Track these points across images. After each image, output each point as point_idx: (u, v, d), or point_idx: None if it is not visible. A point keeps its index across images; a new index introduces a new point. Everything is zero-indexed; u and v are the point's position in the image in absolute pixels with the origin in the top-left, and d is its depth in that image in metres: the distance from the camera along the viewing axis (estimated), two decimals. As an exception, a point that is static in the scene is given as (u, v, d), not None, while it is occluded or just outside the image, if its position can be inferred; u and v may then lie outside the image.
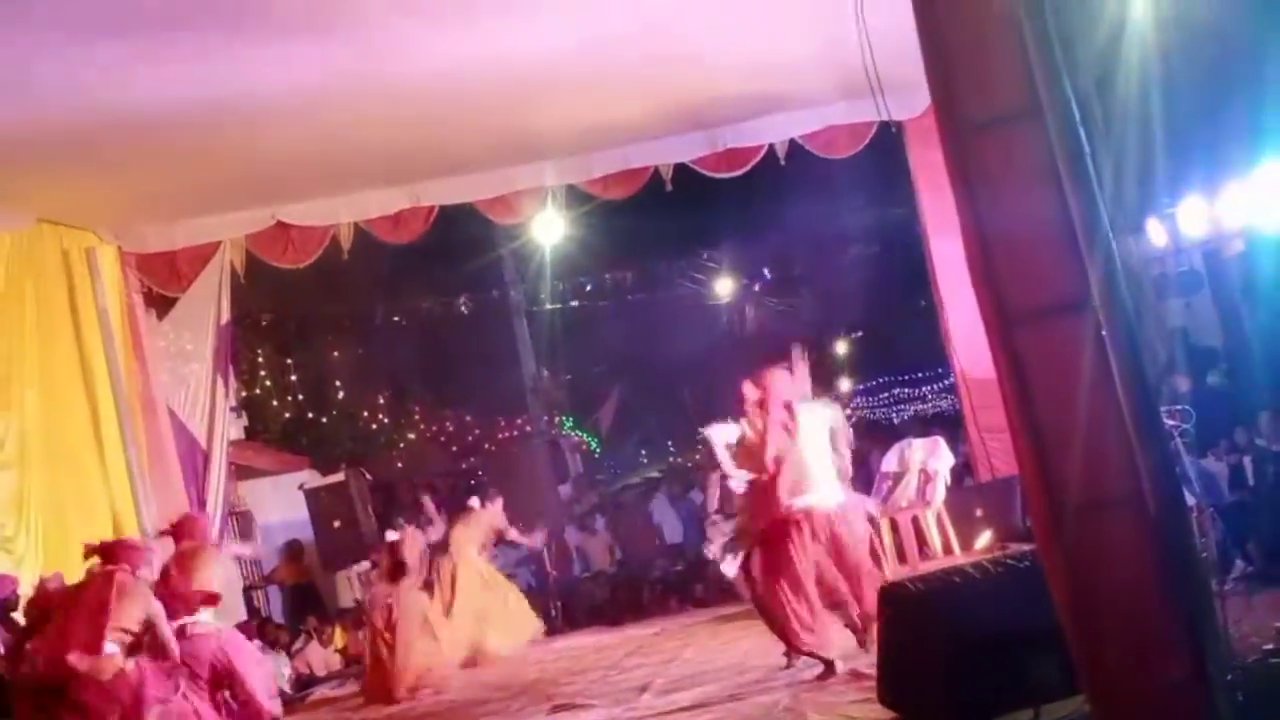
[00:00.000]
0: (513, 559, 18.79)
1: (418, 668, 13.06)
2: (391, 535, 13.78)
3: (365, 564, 15.06)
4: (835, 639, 9.43)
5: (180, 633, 9.76)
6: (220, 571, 10.41)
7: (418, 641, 13.12)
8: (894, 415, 38.54)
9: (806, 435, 9.69)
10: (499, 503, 15.21)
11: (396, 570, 13.38)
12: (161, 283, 14.89)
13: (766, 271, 31.17)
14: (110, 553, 9.47)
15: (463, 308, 28.28)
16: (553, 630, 15.95)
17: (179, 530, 10.68)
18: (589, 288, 29.21)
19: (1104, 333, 5.13)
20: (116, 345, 14.13)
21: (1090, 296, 5.17)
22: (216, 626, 10.16)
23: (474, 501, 15.22)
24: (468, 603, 14.15)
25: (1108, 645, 5.14)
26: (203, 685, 9.76)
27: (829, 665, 9.26)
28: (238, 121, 11.50)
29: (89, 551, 9.52)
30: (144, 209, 14.04)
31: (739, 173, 15.19)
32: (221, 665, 9.84)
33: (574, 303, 29.09)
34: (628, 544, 18.76)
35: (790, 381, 10.01)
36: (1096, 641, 5.16)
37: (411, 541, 13.57)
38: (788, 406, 9.74)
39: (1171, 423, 7.32)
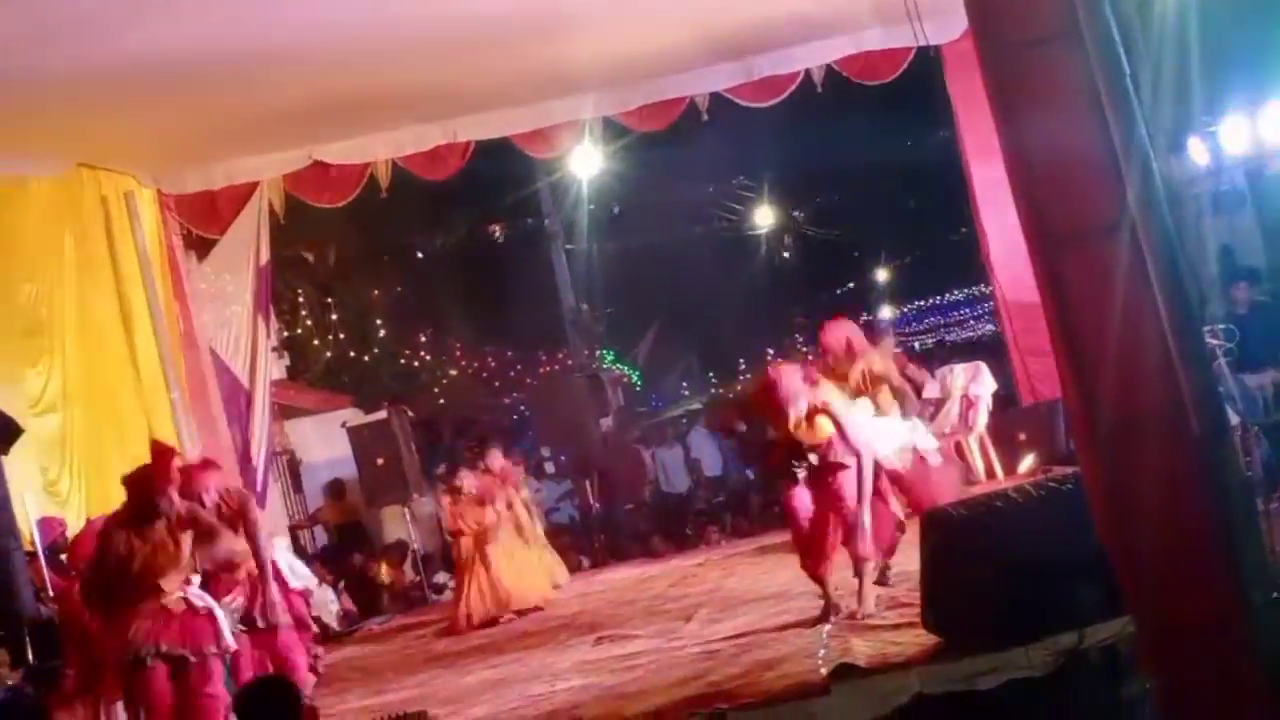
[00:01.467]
0: (555, 493, 18.89)
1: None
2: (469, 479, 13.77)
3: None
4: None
5: None
6: None
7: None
8: (936, 339, 38.47)
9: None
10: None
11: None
12: (201, 224, 14.95)
13: (805, 200, 31.11)
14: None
15: (501, 242, 28.34)
16: (596, 563, 16.02)
17: None
18: (627, 221, 29.20)
19: (1144, 253, 5.10)
20: (157, 288, 14.20)
21: (1130, 217, 5.13)
22: None
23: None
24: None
25: (1151, 566, 5.14)
26: None
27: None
28: (272, 60, 11.47)
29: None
30: (182, 151, 14.06)
31: (775, 101, 15.08)
32: None
33: (611, 236, 29.09)
34: (663, 478, 18.81)
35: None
36: (1139, 563, 5.17)
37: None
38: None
39: (1214, 342, 7.29)
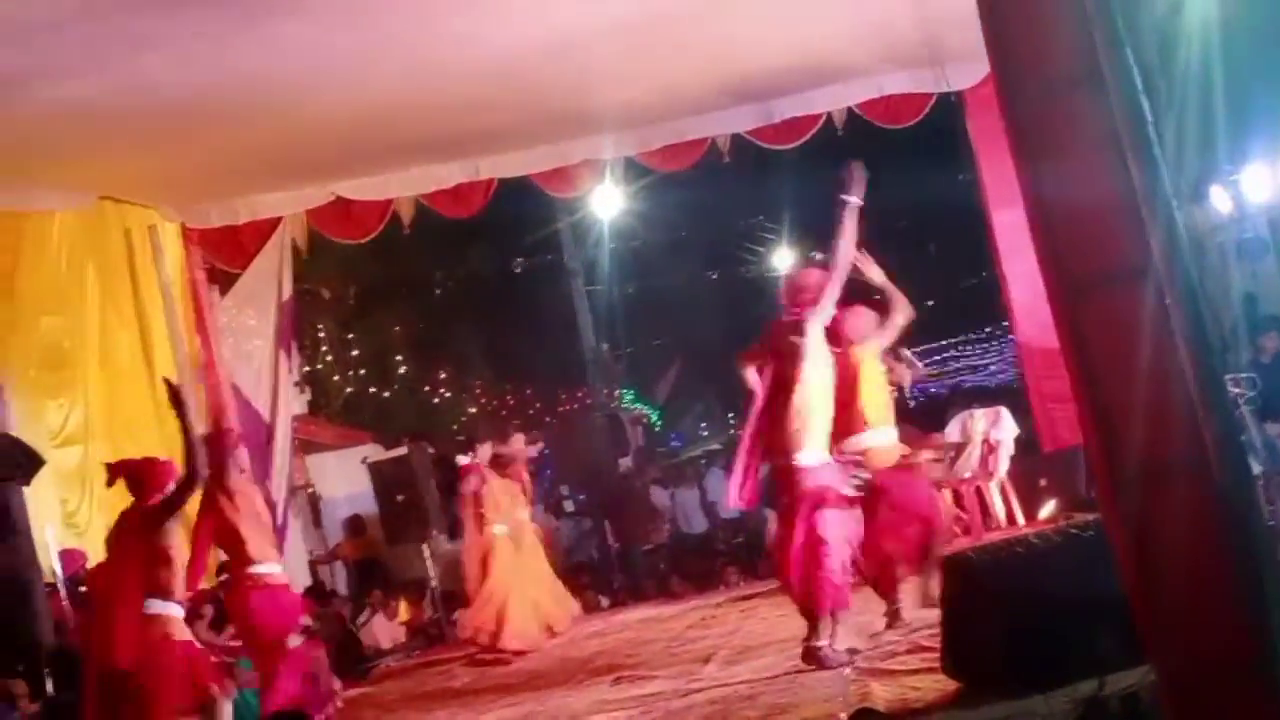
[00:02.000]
0: (573, 532, 18.89)
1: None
2: (462, 459, 13.67)
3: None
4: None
5: None
6: None
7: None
8: (955, 384, 38.42)
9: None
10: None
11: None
12: (224, 258, 15.03)
13: (825, 242, 31.12)
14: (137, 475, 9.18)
15: (521, 281, 28.42)
16: (615, 603, 15.99)
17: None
18: (647, 261, 29.28)
19: (1167, 301, 5.10)
20: (179, 321, 14.27)
21: (1153, 264, 5.13)
22: None
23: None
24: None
25: (1172, 615, 5.12)
26: None
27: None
28: (296, 97, 11.57)
29: (114, 473, 9.20)
30: (205, 186, 14.16)
31: (796, 144, 15.15)
32: None
33: (632, 276, 29.17)
34: (682, 519, 18.81)
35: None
36: (1161, 611, 5.15)
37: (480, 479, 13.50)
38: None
39: (1236, 390, 7.29)
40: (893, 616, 9.65)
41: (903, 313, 10.05)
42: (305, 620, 10.48)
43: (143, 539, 8.58)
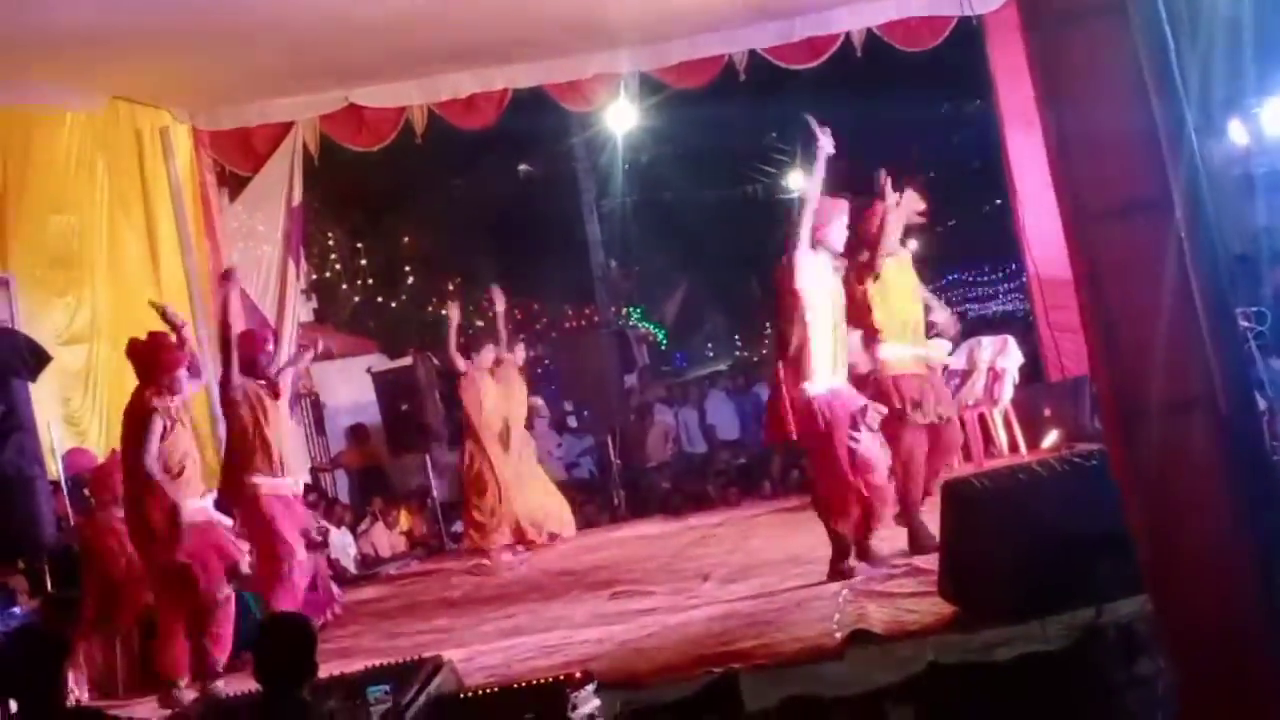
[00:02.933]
0: (575, 449, 18.93)
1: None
2: (461, 364, 13.81)
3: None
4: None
5: None
6: None
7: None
8: (963, 311, 38.37)
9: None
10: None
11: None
12: (235, 161, 14.97)
13: (838, 164, 30.92)
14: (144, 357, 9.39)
15: (532, 196, 28.32)
16: (615, 519, 16.05)
17: None
18: (659, 179, 29.14)
19: (1182, 233, 5.08)
20: (189, 224, 14.25)
21: (1170, 196, 5.10)
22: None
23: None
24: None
25: (1174, 546, 5.13)
26: None
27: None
28: (312, 1, 11.49)
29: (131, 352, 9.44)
30: (218, 89, 14.08)
31: (814, 64, 15.02)
32: None
33: (644, 194, 29.04)
34: (685, 438, 18.86)
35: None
36: (1163, 542, 5.15)
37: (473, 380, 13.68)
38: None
39: (1246, 324, 7.26)
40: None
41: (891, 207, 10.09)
42: (311, 528, 10.55)
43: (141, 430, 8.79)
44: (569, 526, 14.45)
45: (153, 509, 8.93)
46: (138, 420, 9.14)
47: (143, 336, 9.48)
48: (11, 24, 10.60)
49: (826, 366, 9.13)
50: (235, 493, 10.07)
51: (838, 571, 9.16)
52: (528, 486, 13.80)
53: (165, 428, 9.09)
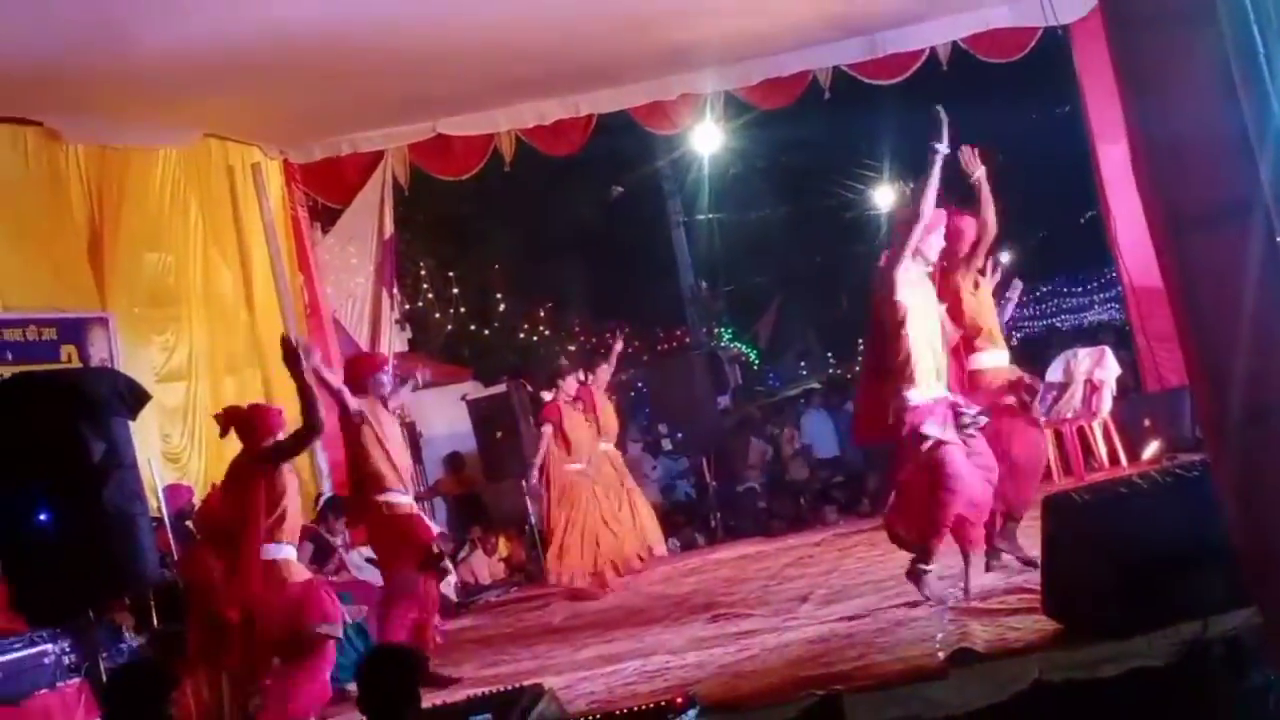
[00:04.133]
0: (671, 472, 18.91)
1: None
2: (546, 395, 13.80)
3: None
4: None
5: None
6: None
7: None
8: (1059, 324, 38.03)
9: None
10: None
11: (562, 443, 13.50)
12: (327, 193, 15.14)
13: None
14: (247, 423, 9.23)
15: (621, 219, 28.39)
16: (712, 541, 16.01)
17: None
18: (747, 199, 29.13)
19: (1276, 237, 5.00)
20: (282, 258, 14.41)
21: (1261, 200, 5.03)
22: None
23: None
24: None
25: (1276, 557, 5.04)
26: None
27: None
28: (398, 34, 11.59)
29: (224, 422, 9.32)
30: (308, 124, 14.26)
31: (899, 79, 14.96)
32: None
33: (731, 214, 29.05)
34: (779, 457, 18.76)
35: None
36: (1265, 552, 5.07)
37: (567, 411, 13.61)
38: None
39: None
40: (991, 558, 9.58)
41: (989, 213, 9.87)
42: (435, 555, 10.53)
43: (255, 485, 8.70)
44: (659, 544, 14.41)
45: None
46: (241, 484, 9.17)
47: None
48: (105, 64, 10.80)
49: (930, 375, 9.01)
50: (365, 512, 10.22)
51: (912, 569, 9.07)
52: (618, 518, 13.72)
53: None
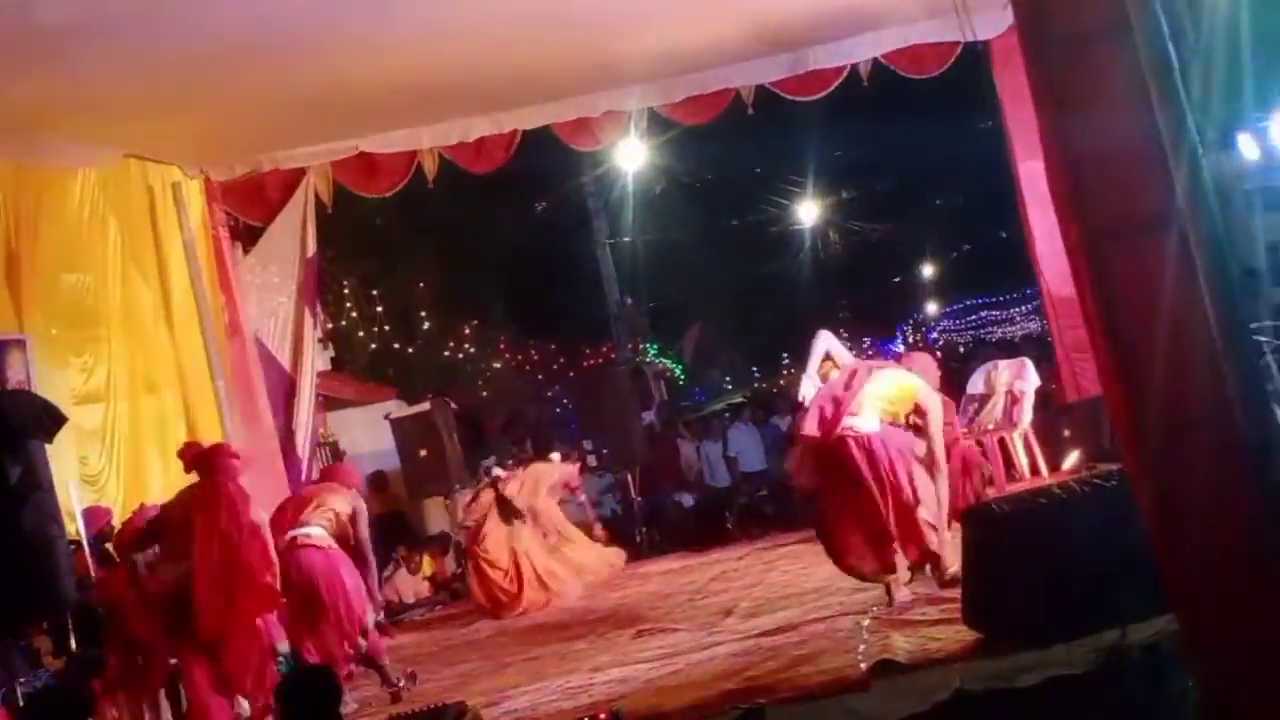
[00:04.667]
0: (596, 488, 18.89)
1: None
2: (499, 471, 13.93)
3: (464, 494, 15.13)
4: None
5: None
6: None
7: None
8: (981, 336, 38.37)
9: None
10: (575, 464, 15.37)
11: (504, 507, 13.61)
12: (248, 211, 14.99)
13: (849, 195, 30.94)
14: (208, 461, 9.57)
15: (545, 236, 28.38)
16: (638, 556, 16.01)
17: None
18: (671, 215, 29.21)
19: (1191, 250, 5.06)
20: (203, 278, 14.26)
21: (1177, 214, 5.09)
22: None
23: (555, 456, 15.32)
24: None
25: (1196, 565, 5.10)
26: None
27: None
28: (319, 54, 11.51)
29: (189, 458, 9.63)
30: (229, 145, 14.12)
31: (820, 95, 15.01)
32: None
33: (656, 230, 29.11)
34: (707, 473, 18.78)
35: None
36: (1184, 560, 5.13)
37: (518, 483, 13.81)
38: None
39: (1261, 339, 7.22)
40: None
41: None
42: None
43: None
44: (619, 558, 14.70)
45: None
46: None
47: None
48: (23, 85, 10.65)
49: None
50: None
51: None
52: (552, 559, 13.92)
53: None
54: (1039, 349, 17.08)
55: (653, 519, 16.93)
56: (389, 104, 13.45)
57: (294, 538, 10.19)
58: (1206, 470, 5.03)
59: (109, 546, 10.61)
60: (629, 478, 16.91)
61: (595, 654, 10.00)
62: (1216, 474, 5.02)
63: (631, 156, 18.14)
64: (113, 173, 13.31)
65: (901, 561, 9.29)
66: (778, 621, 9.56)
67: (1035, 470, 13.50)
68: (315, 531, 10.29)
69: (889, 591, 9.21)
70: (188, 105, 12.15)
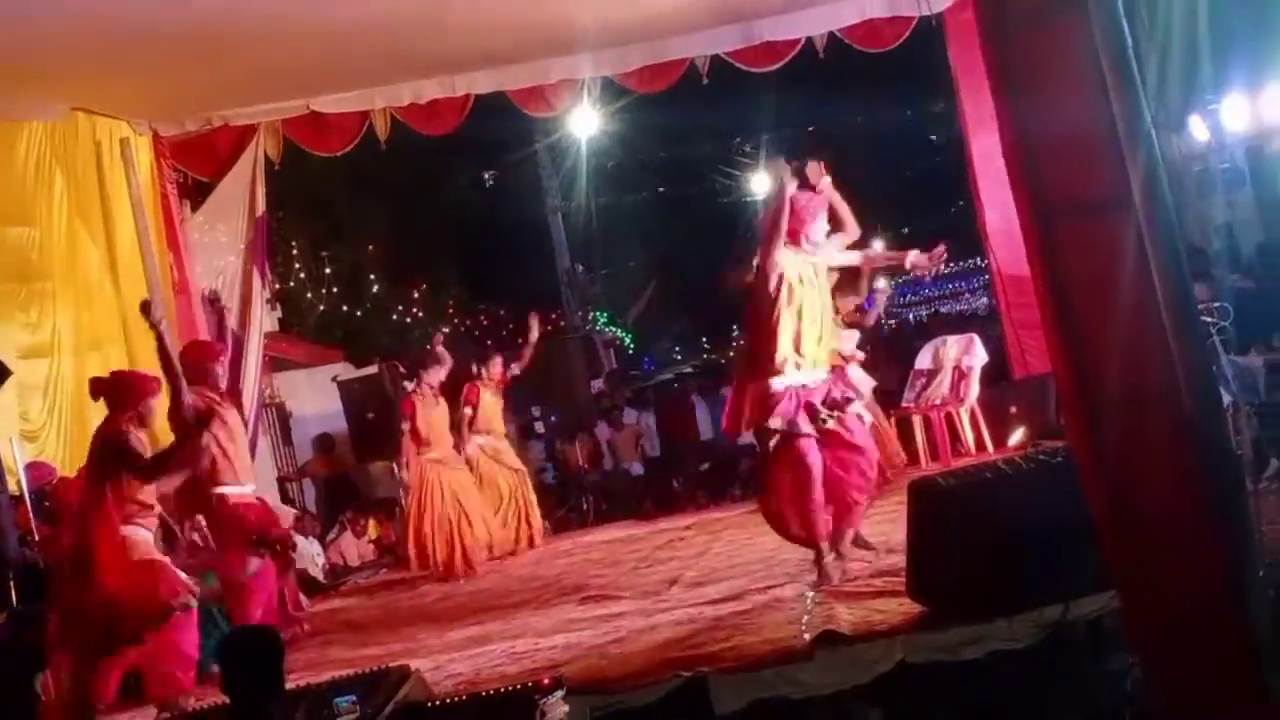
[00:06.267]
0: (543, 455, 18.91)
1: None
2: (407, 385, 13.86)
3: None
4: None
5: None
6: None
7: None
8: (931, 311, 38.49)
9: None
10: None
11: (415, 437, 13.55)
12: (197, 167, 14.83)
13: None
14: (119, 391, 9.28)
15: (497, 202, 28.28)
16: (584, 524, 16.03)
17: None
18: (623, 183, 29.16)
19: (1143, 231, 5.08)
20: (150, 235, 14.13)
21: (1130, 194, 5.11)
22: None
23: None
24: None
25: (1140, 542, 5.14)
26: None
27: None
28: (273, 10, 11.42)
29: (97, 388, 9.36)
30: (179, 100, 13.98)
31: (775, 66, 14.99)
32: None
33: (608, 197, 29.06)
34: (668, 438, 18.80)
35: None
36: (1128, 538, 5.16)
37: (422, 404, 13.64)
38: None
39: (1209, 320, 7.27)
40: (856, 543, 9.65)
41: (848, 217, 9.90)
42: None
43: (115, 460, 8.66)
44: (539, 534, 14.47)
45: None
46: (112, 450, 9.05)
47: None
48: (-31, 37, 10.54)
49: (789, 365, 9.05)
50: (202, 504, 10.10)
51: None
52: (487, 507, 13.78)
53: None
54: (987, 326, 17.14)
55: (598, 487, 16.95)
56: (341, 64, 13.35)
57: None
58: (1154, 449, 5.07)
59: (49, 504, 10.54)
60: (576, 445, 16.93)
61: (539, 621, 9.99)
62: (1164, 453, 5.06)
63: (585, 124, 18.05)
64: (59, 126, 13.15)
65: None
66: (722, 591, 9.57)
67: (981, 446, 13.58)
68: None
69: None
70: (135, 59, 12.01)
